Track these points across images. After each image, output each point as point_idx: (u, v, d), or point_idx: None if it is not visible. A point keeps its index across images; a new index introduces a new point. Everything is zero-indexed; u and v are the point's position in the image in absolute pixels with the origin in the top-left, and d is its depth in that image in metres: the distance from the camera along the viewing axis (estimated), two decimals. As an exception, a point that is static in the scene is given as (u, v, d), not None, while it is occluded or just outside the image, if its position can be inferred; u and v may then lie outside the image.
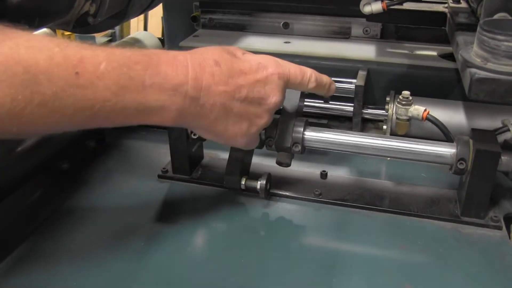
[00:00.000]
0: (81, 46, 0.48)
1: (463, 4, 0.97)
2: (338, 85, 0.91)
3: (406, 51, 1.05)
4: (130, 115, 0.50)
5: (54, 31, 1.31)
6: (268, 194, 0.72)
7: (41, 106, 0.43)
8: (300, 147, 0.67)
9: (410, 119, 0.81)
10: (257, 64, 0.59)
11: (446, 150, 0.65)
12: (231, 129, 0.58)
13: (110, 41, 3.27)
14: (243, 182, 0.70)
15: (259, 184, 0.69)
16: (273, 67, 0.60)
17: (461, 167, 0.63)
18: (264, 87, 0.58)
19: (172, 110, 0.51)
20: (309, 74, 0.64)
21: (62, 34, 3.20)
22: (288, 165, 0.69)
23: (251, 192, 0.71)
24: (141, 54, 0.51)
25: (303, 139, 0.67)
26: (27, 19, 0.66)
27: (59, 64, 0.44)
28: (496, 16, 0.64)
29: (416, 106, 0.79)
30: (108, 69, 0.47)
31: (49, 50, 0.44)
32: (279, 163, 0.69)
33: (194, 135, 0.71)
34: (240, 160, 0.70)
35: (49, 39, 0.46)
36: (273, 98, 0.59)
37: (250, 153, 0.74)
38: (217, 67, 0.55)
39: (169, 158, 0.78)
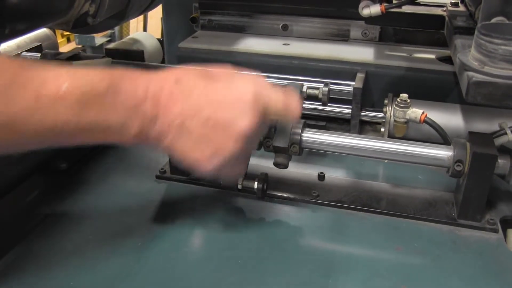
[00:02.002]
0: (45, 67, 0.48)
1: (461, 8, 0.97)
2: (336, 87, 0.92)
3: (404, 54, 1.06)
4: (92, 134, 0.50)
5: (54, 31, 1.31)
6: (265, 195, 0.72)
7: (0, 127, 0.43)
8: (298, 149, 0.67)
9: (408, 121, 0.81)
10: (229, 85, 0.54)
11: (444, 152, 0.65)
12: (192, 153, 0.53)
13: (109, 41, 3.27)
14: (240, 183, 0.70)
15: (256, 184, 0.69)
16: (250, 91, 0.53)
17: (458, 169, 0.63)
18: (231, 111, 0.52)
19: (132, 128, 0.51)
20: (294, 108, 0.57)
21: (62, 34, 3.20)
22: (286, 166, 0.69)
23: (248, 192, 0.71)
24: (103, 73, 0.51)
25: (301, 140, 0.67)
26: (27, 18, 0.66)
27: (20, 85, 0.44)
28: (493, 20, 0.64)
29: (414, 109, 0.80)
30: (70, 89, 0.47)
31: (11, 71, 0.44)
32: (276, 164, 0.69)
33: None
34: (238, 161, 0.70)
35: (11, 60, 0.46)
36: (242, 123, 0.52)
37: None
38: (176, 85, 0.52)
39: (167, 159, 0.78)
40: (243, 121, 0.52)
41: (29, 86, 0.45)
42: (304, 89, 0.75)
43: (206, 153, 0.53)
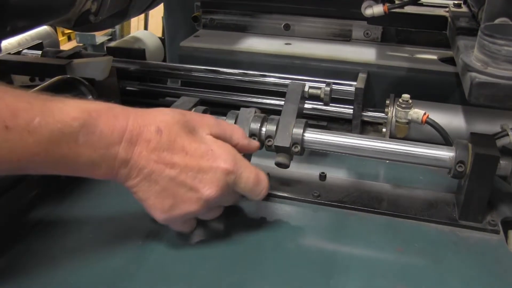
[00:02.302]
0: (19, 97, 0.47)
1: (464, 9, 0.97)
2: (338, 87, 0.92)
3: (406, 55, 1.06)
4: (60, 169, 0.50)
5: (55, 28, 1.31)
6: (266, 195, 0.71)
7: None
8: (299, 148, 0.67)
9: (409, 122, 0.81)
10: (207, 150, 0.55)
11: (445, 153, 0.65)
12: (151, 200, 0.54)
13: (110, 40, 3.28)
14: None
15: (258, 184, 0.69)
16: (225, 161, 0.55)
17: (460, 170, 0.63)
18: (201, 176, 0.54)
19: (102, 167, 0.51)
20: (263, 188, 0.59)
21: (63, 32, 3.21)
22: (287, 166, 0.69)
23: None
24: (80, 109, 0.50)
25: (302, 140, 0.67)
26: (29, 16, 0.66)
27: None
28: (496, 21, 0.64)
29: (416, 110, 0.79)
30: (41, 124, 0.46)
31: None
32: (278, 164, 0.69)
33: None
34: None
35: None
36: (207, 191, 0.54)
37: (249, 154, 0.74)
38: (156, 135, 0.53)
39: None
40: (209, 189, 0.54)
41: None
42: (306, 88, 0.75)
43: (164, 205, 0.55)
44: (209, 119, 0.60)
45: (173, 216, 0.56)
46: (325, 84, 0.77)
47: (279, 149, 0.68)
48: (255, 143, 0.65)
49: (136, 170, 0.53)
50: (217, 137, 0.58)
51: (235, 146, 0.60)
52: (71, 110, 0.49)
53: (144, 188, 0.54)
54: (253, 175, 0.58)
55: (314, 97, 0.77)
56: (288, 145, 0.67)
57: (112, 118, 0.51)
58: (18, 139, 0.45)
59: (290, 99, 0.71)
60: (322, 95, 0.77)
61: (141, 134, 0.52)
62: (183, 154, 0.54)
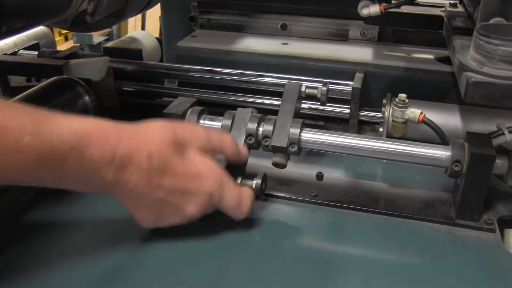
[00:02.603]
0: (11, 113, 0.46)
1: (460, 8, 0.98)
2: (335, 87, 0.92)
3: (403, 54, 1.06)
4: (45, 184, 0.51)
5: (51, 29, 1.31)
6: (263, 195, 0.72)
7: None
8: (296, 148, 0.67)
9: (406, 121, 0.81)
10: (195, 173, 0.57)
11: (442, 152, 0.65)
12: (138, 213, 0.58)
13: (107, 40, 3.27)
14: (238, 182, 0.70)
15: (255, 183, 0.69)
16: (211, 184, 0.58)
17: (456, 169, 0.63)
18: (187, 196, 0.57)
19: (90, 187, 0.53)
20: (244, 211, 0.61)
21: (60, 32, 3.20)
22: (284, 166, 0.69)
23: (247, 192, 0.70)
24: (72, 132, 0.49)
25: (299, 140, 0.67)
26: (25, 16, 0.66)
27: None
28: (492, 21, 0.64)
29: (413, 109, 0.80)
30: (30, 143, 0.46)
31: None
32: (275, 164, 0.69)
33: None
34: (236, 161, 0.70)
35: None
36: (189, 209, 0.58)
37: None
38: (147, 161, 0.53)
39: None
40: (193, 208, 0.58)
41: None
42: (303, 88, 0.75)
43: (150, 217, 0.58)
44: (200, 131, 0.61)
45: (158, 225, 0.60)
46: (322, 84, 0.78)
47: (276, 149, 0.68)
48: (244, 153, 0.66)
49: (125, 191, 0.54)
50: (207, 150, 0.60)
51: (225, 155, 0.63)
52: (62, 131, 0.48)
53: (131, 205, 0.57)
54: (236, 198, 0.60)
55: (311, 97, 0.77)
56: (285, 145, 0.67)
57: (103, 142, 0.51)
58: (7, 156, 0.45)
59: (287, 99, 0.72)
60: (319, 95, 0.77)
61: (132, 159, 0.53)
62: (172, 177, 0.56)
